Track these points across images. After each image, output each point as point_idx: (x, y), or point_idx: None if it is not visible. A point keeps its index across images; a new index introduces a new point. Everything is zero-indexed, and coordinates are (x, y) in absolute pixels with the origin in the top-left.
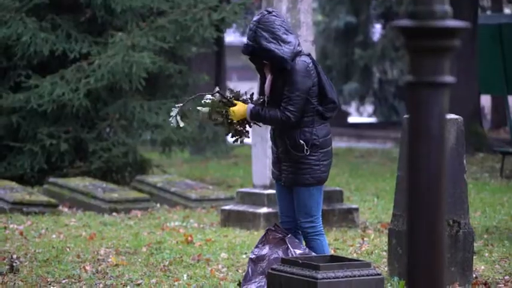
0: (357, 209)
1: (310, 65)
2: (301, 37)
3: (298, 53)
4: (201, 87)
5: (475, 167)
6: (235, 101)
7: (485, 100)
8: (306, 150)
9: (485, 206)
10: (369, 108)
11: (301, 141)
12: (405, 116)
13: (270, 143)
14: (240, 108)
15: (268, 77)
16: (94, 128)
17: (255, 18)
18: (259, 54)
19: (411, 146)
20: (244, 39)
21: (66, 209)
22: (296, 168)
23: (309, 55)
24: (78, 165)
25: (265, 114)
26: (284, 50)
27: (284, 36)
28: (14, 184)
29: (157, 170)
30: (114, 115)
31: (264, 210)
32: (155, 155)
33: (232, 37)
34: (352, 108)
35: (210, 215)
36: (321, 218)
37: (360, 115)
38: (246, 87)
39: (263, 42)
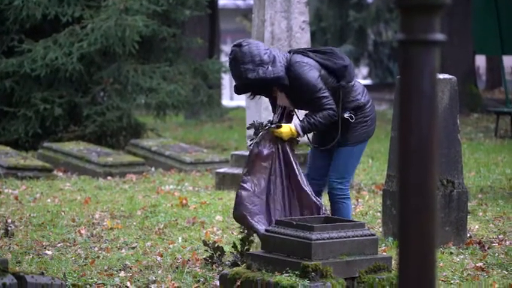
0: None
1: (305, 59)
2: None
3: (287, 59)
4: (194, 51)
5: (469, 127)
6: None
7: (481, 60)
8: (352, 117)
9: (480, 166)
10: (364, 70)
11: (347, 116)
12: (398, 76)
13: (264, 105)
14: (287, 130)
15: (280, 95)
16: (88, 92)
17: (230, 57)
18: (255, 87)
19: (402, 105)
20: (238, 2)
21: (60, 174)
22: (345, 132)
23: (291, 52)
24: (73, 129)
25: (315, 122)
26: (274, 69)
27: (265, 56)
28: (8, 149)
29: (152, 134)
30: (108, 79)
31: None
32: (150, 119)
33: (225, 0)
34: None
35: (205, 178)
36: (350, 182)
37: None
38: None
39: (251, 75)
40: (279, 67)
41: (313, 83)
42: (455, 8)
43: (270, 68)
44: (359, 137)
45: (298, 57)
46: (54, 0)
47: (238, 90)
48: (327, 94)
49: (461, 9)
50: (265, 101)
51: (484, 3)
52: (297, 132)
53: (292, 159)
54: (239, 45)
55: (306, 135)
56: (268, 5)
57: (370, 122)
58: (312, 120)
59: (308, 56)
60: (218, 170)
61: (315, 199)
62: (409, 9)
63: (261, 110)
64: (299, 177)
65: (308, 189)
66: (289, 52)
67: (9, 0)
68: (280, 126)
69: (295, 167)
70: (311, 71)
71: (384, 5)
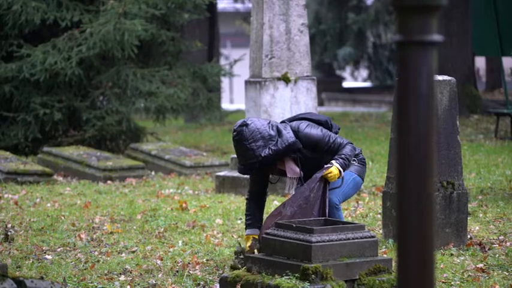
0: None
1: (302, 121)
2: (293, 1)
3: (291, 126)
4: (194, 54)
5: (469, 129)
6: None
7: (480, 62)
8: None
9: (480, 167)
10: (364, 72)
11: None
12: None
13: (263, 108)
14: (337, 172)
15: (288, 164)
16: (87, 96)
17: (237, 138)
18: (268, 163)
19: (400, 106)
20: (237, 6)
21: (60, 178)
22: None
23: (285, 121)
24: (72, 134)
25: (346, 157)
26: (283, 139)
27: (271, 131)
28: (8, 154)
29: (151, 138)
30: (107, 83)
31: None
32: (149, 123)
33: (225, 3)
34: (346, 73)
35: (205, 181)
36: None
37: (354, 80)
38: (240, 53)
39: (264, 152)
40: (286, 134)
41: (322, 135)
42: (454, 9)
43: (279, 139)
44: (358, 171)
45: (297, 123)
46: (53, 5)
47: (252, 168)
48: (336, 136)
49: (460, 10)
50: (264, 104)
51: (483, 5)
52: (339, 170)
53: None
54: (245, 125)
55: (290, 189)
56: (266, 8)
57: (364, 164)
58: (343, 155)
59: (303, 119)
60: (218, 174)
61: None
62: (405, 10)
63: (261, 112)
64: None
65: None
66: (283, 122)
67: (8, 5)
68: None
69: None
70: (313, 127)
71: (383, 7)
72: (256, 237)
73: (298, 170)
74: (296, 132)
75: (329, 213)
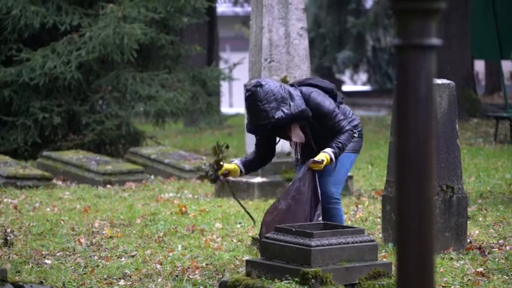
0: (351, 177)
1: (313, 89)
2: (292, 5)
3: (301, 91)
4: (193, 58)
5: (469, 133)
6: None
7: (480, 65)
8: (355, 133)
9: (480, 171)
10: (363, 76)
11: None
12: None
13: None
14: (327, 161)
15: (294, 131)
16: (86, 100)
17: (251, 98)
18: (279, 126)
19: (399, 109)
20: (236, 9)
21: (60, 182)
22: None
23: (294, 84)
24: (72, 138)
25: (343, 146)
26: (296, 104)
27: (285, 94)
28: (7, 158)
29: (151, 142)
30: (107, 87)
31: (258, 180)
32: (149, 127)
33: (224, 7)
34: (346, 76)
35: (204, 185)
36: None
37: (354, 83)
38: (239, 57)
39: (277, 114)
40: (298, 101)
41: (331, 109)
42: (454, 13)
43: (291, 103)
44: (355, 146)
45: (308, 89)
46: (52, 9)
47: (263, 129)
48: (343, 117)
49: (459, 13)
50: None
51: (482, 8)
52: (331, 159)
53: (316, 187)
54: (259, 85)
55: (296, 153)
56: (266, 12)
57: (361, 137)
58: (340, 144)
59: (311, 85)
60: None
61: None
62: (404, 13)
63: None
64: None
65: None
66: (292, 85)
67: (7, 10)
68: (319, 162)
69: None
70: (325, 98)
71: (382, 11)
72: (235, 166)
73: (303, 135)
74: (307, 99)
75: (330, 208)
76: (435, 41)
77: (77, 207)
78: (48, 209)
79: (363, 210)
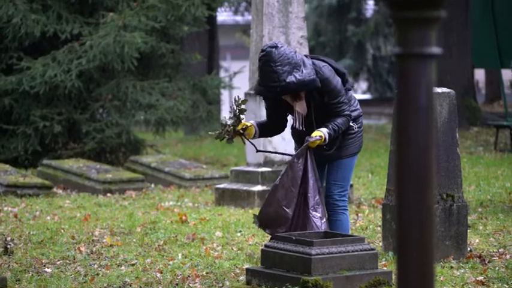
0: (351, 185)
1: (326, 66)
2: (292, 13)
3: (315, 64)
4: (193, 66)
5: (469, 141)
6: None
7: (480, 74)
8: (355, 126)
9: (480, 179)
10: (363, 84)
11: (351, 124)
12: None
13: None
14: (321, 140)
15: (299, 101)
16: (87, 109)
17: (264, 58)
18: (288, 92)
19: (399, 118)
20: (237, 18)
21: (60, 191)
22: (342, 142)
23: (308, 56)
24: (72, 146)
25: (338, 129)
26: (308, 72)
27: (298, 60)
28: (7, 167)
29: (151, 150)
30: (107, 96)
31: (258, 188)
32: (149, 135)
33: (225, 16)
34: None
35: (205, 194)
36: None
37: (354, 92)
38: (240, 65)
39: (289, 78)
40: (311, 70)
41: (338, 87)
42: (454, 21)
43: (304, 70)
44: (357, 147)
45: (320, 62)
46: (52, 17)
47: (272, 91)
48: (346, 100)
49: (459, 22)
50: (265, 116)
51: (482, 17)
52: (325, 140)
53: (311, 172)
54: (275, 46)
55: (298, 124)
56: (266, 21)
57: (362, 133)
58: (336, 127)
59: (323, 61)
60: (218, 186)
61: (315, 225)
62: (405, 22)
63: None
64: (311, 194)
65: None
66: (306, 56)
67: (7, 18)
68: (316, 139)
69: (311, 183)
70: (335, 76)
71: (382, 20)
72: (249, 125)
73: (306, 107)
74: (317, 71)
75: (339, 219)
76: (435, 49)
77: (77, 216)
78: (48, 218)
79: (363, 218)
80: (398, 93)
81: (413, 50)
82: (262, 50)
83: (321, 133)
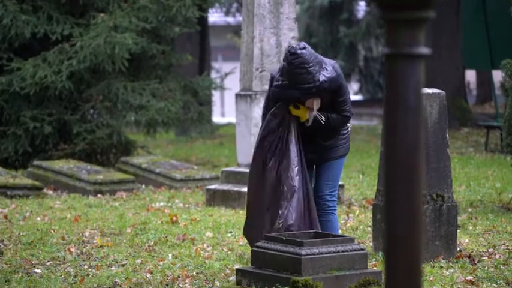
0: (342, 186)
1: (337, 64)
2: (283, 14)
3: (326, 61)
4: (184, 67)
5: (460, 142)
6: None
7: (471, 75)
8: (348, 126)
9: (470, 180)
10: (355, 85)
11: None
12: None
13: (254, 121)
14: (304, 112)
15: (318, 98)
16: (77, 110)
17: (298, 61)
18: (323, 89)
19: (388, 118)
20: (228, 19)
21: (50, 192)
22: (332, 143)
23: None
24: (62, 147)
25: (333, 122)
26: (330, 70)
27: (320, 58)
28: None
29: (142, 151)
30: (98, 97)
31: None
32: (140, 136)
33: (216, 17)
34: None
35: (195, 195)
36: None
37: None
38: (231, 66)
39: (320, 77)
40: (332, 68)
41: (345, 86)
42: (445, 22)
43: (327, 68)
44: (347, 149)
45: (329, 60)
46: (43, 18)
47: (309, 92)
48: (348, 100)
49: (450, 23)
50: (255, 117)
51: (473, 18)
52: (315, 117)
53: (295, 145)
54: (304, 48)
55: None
56: (257, 22)
57: (349, 137)
58: (332, 120)
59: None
60: (209, 187)
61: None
62: (394, 23)
63: (251, 126)
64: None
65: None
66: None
67: None
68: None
69: (293, 158)
70: (343, 76)
71: (374, 21)
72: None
73: (318, 102)
74: (333, 68)
75: (329, 220)
76: (424, 50)
77: (68, 217)
78: (38, 218)
79: (354, 219)
80: (387, 93)
81: (402, 50)
82: (294, 53)
83: (317, 112)
